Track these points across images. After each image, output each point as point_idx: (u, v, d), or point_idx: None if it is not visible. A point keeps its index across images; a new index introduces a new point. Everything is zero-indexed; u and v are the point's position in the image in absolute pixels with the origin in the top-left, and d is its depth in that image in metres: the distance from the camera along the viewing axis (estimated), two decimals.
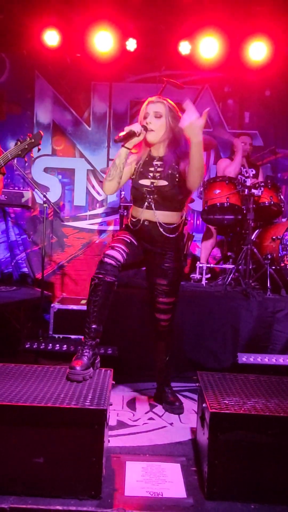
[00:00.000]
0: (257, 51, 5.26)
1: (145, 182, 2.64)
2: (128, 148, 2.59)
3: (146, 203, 2.64)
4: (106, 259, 2.50)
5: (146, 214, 2.65)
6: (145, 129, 2.60)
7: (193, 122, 2.33)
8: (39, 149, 2.81)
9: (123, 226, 2.87)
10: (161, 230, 2.64)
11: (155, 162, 2.66)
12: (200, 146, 2.38)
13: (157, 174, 2.63)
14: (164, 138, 2.64)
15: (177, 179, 2.61)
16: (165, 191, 2.61)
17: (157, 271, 2.76)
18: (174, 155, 2.62)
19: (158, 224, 2.63)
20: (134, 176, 2.68)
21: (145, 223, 2.65)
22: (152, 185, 2.62)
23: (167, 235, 2.66)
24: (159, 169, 2.64)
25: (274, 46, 5.23)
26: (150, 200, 2.62)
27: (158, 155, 2.68)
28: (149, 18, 5.22)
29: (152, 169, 2.65)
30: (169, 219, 2.66)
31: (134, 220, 2.70)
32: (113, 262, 2.49)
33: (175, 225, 2.69)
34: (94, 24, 5.19)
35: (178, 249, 2.77)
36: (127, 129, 2.55)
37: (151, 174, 2.64)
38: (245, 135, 4.95)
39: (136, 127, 2.56)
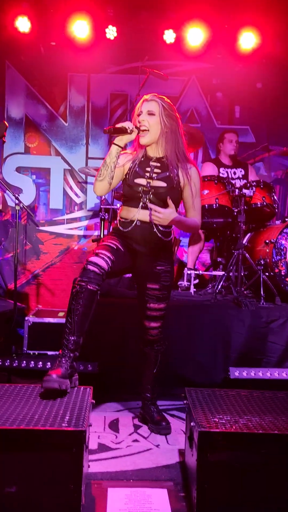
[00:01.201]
0: (247, 39, 5.37)
1: (140, 181, 2.72)
2: (119, 146, 2.67)
3: (141, 203, 2.71)
4: (89, 266, 2.52)
5: (140, 215, 2.71)
6: (138, 128, 2.68)
7: (170, 218, 2.57)
8: (4, 141, 2.84)
9: (111, 229, 2.88)
10: (156, 232, 2.72)
11: (152, 163, 2.75)
12: (179, 224, 2.68)
13: (154, 175, 2.73)
14: (158, 137, 2.72)
15: (175, 182, 2.72)
16: (161, 192, 2.69)
17: (148, 275, 2.82)
18: (173, 157, 2.72)
19: (154, 226, 2.71)
20: (127, 176, 2.75)
21: (137, 223, 2.71)
22: (148, 185, 2.71)
23: (162, 237, 2.75)
24: (156, 170, 2.73)
25: (265, 34, 5.34)
26: (145, 200, 2.70)
27: (155, 155, 2.77)
28: (130, 3, 5.28)
29: (148, 169, 2.74)
30: None
31: (125, 220, 2.76)
32: (96, 270, 2.51)
33: (170, 228, 2.79)
34: (70, 10, 5.24)
35: (171, 252, 2.90)
36: (119, 124, 2.63)
37: (148, 174, 2.73)
38: (231, 131, 4.99)
39: (127, 124, 2.64)
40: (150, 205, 2.63)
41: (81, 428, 1.97)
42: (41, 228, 5.71)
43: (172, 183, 2.71)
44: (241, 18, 5.29)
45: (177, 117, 2.75)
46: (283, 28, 5.31)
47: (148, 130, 2.69)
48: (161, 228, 2.73)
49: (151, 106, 2.71)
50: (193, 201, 2.75)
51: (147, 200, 2.69)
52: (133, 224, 2.72)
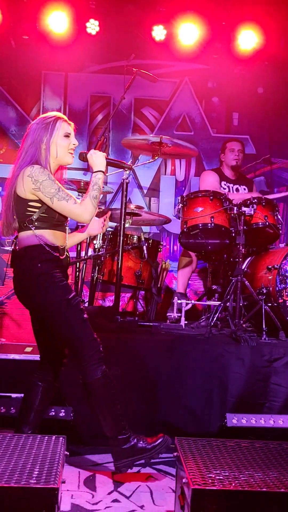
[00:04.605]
0: (247, 38, 5.48)
1: None
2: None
3: (67, 226, 2.95)
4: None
5: (64, 240, 2.94)
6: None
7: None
8: None
9: (52, 272, 2.81)
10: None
11: None
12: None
13: None
14: None
15: None
16: None
17: None
18: None
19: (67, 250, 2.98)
20: None
21: (66, 252, 2.92)
22: None
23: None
24: None
25: (268, 33, 5.45)
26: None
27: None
28: None
29: None
30: None
31: (59, 247, 2.85)
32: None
33: None
34: (46, 0, 5.30)
35: None
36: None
37: None
38: (234, 140, 5.11)
39: None
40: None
41: (53, 485, 1.93)
42: (6, 248, 5.67)
43: None
44: (241, 13, 5.42)
45: None
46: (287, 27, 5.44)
47: None
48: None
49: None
50: None
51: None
52: (66, 253, 2.91)
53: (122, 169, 3.52)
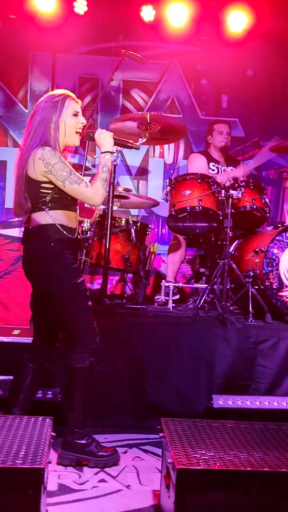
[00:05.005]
0: (237, 19, 5.42)
1: None
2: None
3: (77, 206, 2.94)
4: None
5: (76, 220, 2.95)
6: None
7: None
8: None
9: (64, 252, 2.84)
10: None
11: None
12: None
13: None
14: None
15: None
16: None
17: None
18: None
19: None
20: None
21: (77, 233, 2.92)
22: None
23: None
24: None
25: (258, 13, 5.39)
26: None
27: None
28: None
29: None
30: None
31: (72, 228, 2.86)
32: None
33: None
34: None
35: None
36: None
37: None
38: (221, 122, 5.08)
39: None
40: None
41: (39, 466, 1.93)
42: None
43: None
44: None
45: None
46: (279, 6, 5.37)
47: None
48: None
49: None
50: None
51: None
52: (76, 232, 2.90)
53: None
